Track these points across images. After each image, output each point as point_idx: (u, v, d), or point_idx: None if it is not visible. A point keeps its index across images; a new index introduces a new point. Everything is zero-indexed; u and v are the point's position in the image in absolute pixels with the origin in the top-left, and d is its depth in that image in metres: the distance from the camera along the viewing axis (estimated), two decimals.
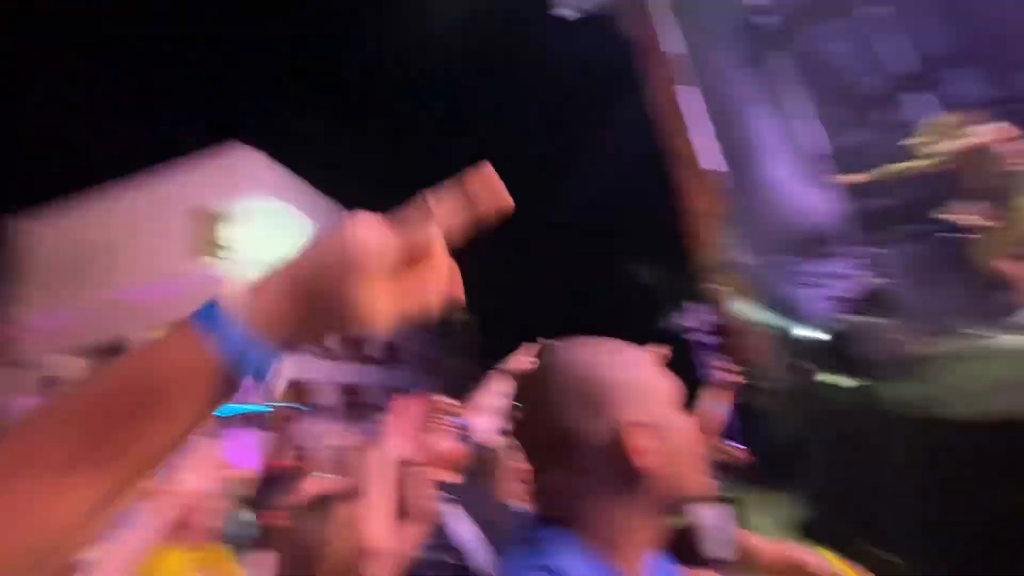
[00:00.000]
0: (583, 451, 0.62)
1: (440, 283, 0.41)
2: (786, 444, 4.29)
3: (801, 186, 7.85)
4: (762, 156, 8.12)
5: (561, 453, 0.63)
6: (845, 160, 6.63)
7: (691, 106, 8.30)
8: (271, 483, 2.28)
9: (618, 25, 9.62)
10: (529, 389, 0.67)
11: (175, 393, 0.33)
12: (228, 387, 0.35)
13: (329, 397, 18.29)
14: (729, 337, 6.75)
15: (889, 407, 3.78)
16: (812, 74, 7.67)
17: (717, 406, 2.87)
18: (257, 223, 16.93)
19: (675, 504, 0.66)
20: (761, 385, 5.37)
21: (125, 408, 0.32)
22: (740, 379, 2.45)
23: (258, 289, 0.36)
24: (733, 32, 8.06)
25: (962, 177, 3.63)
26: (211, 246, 16.67)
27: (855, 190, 7.03)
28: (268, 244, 16.89)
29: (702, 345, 8.67)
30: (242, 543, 2.93)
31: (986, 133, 3.27)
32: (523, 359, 2.53)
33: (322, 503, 1.37)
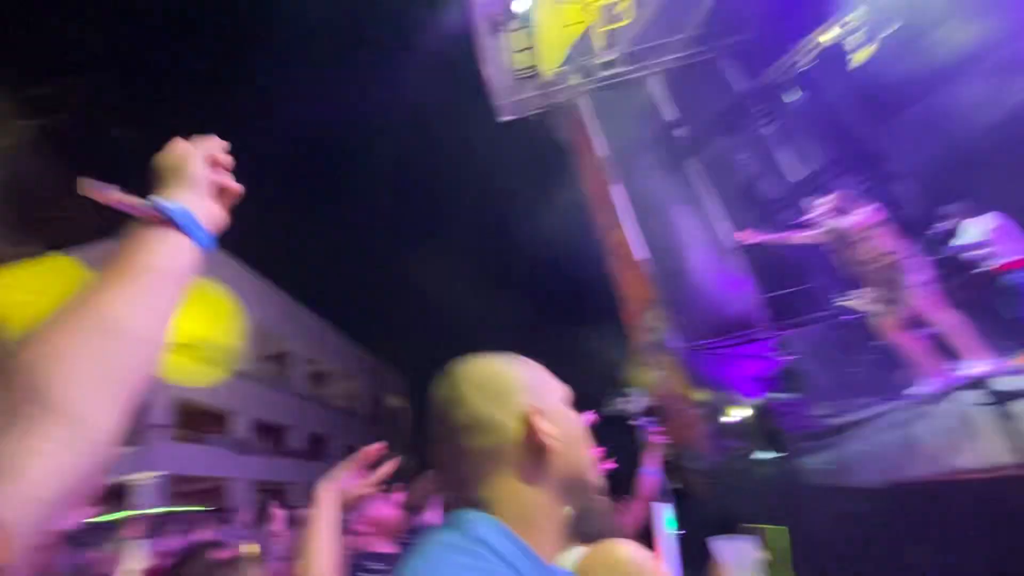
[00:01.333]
0: (494, 434, 0.68)
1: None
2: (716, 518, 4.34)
3: (720, 276, 8.58)
4: (685, 249, 8.86)
5: (473, 438, 0.69)
6: (753, 252, 7.48)
7: (620, 202, 9.13)
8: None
9: (555, 130, 10.70)
10: (443, 387, 0.74)
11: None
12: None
13: (244, 495, 16.49)
14: (663, 416, 6.91)
15: (806, 478, 3.94)
16: (724, 178, 8.72)
17: (651, 471, 2.94)
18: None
19: (575, 488, 0.71)
20: (692, 463, 5.47)
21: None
22: (670, 445, 2.54)
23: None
24: (654, 140, 9.12)
25: (847, 264, 4.06)
26: None
27: (766, 279, 7.85)
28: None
29: (640, 426, 8.77)
30: None
31: (849, 221, 3.74)
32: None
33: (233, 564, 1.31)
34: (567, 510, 0.72)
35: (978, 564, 2.38)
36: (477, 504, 0.67)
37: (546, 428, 0.68)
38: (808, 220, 4.14)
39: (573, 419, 0.74)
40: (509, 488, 0.67)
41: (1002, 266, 4.04)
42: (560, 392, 0.76)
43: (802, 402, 4.77)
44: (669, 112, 9.15)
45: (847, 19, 7.21)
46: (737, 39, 8.97)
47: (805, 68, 7.81)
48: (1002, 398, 1.97)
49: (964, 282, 3.99)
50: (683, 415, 7.04)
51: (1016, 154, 4.60)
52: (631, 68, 9.30)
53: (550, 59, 9.28)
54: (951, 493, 2.63)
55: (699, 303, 8.42)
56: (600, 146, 9.67)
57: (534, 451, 0.67)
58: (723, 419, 7.04)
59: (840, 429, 3.98)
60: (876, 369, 4.98)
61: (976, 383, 2.29)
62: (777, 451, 4.54)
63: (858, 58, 7.27)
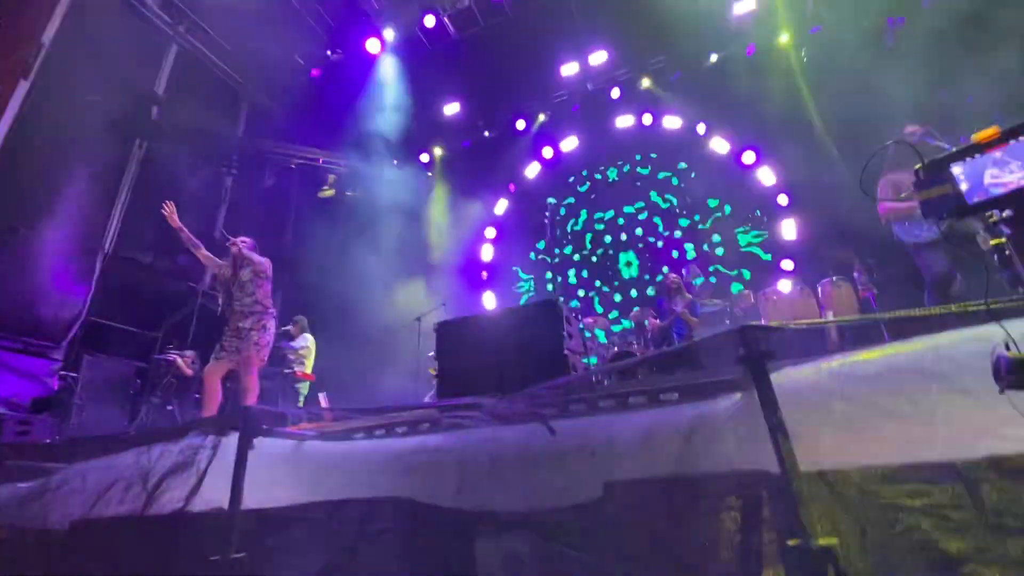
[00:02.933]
0: None
1: None
2: None
3: (63, 271, 6.87)
4: (45, 218, 6.80)
5: None
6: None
7: (16, 103, 6.42)
8: None
9: None
10: None
11: None
12: None
13: None
14: None
15: None
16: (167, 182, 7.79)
17: None
18: None
19: None
20: None
21: None
22: None
23: None
24: (121, 91, 7.39)
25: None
26: None
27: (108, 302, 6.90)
28: None
29: None
30: None
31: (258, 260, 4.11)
32: None
33: None
34: None
35: None
36: None
37: None
38: (230, 244, 4.16)
39: None
40: None
41: (296, 373, 5.30)
42: None
43: (47, 425, 3.95)
44: (161, 84, 7.88)
45: (337, 167, 8.90)
46: (270, 103, 9.31)
47: (293, 167, 8.79)
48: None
49: None
50: None
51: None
52: (163, 16, 7.81)
53: None
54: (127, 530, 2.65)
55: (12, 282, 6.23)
56: (48, 35, 6.97)
57: None
58: None
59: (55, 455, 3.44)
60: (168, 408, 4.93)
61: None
62: None
63: (326, 192, 8.86)
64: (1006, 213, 1.15)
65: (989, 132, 1.20)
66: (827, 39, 7.07)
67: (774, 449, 1.61)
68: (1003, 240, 1.18)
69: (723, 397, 1.93)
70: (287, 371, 5.36)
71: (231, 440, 2.59)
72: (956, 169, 1.21)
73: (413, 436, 2.46)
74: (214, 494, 2.56)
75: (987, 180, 1.15)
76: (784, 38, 7.38)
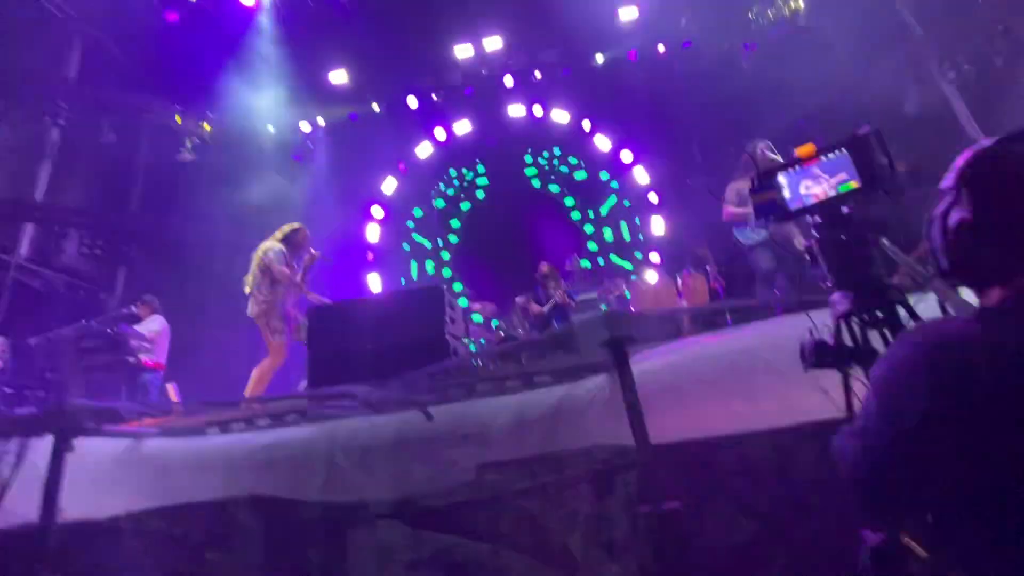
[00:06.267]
0: None
1: None
2: None
3: None
4: None
5: None
6: None
7: None
8: None
9: None
10: None
11: None
12: None
13: None
14: None
15: None
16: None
17: None
18: None
19: None
20: None
21: None
22: None
23: None
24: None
25: None
26: None
27: None
28: None
29: None
30: None
31: None
32: None
33: None
34: None
35: None
36: None
37: None
38: None
39: None
40: None
41: (145, 361, 4.65)
42: None
43: None
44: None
45: (199, 128, 7.88)
46: (112, 44, 7.89)
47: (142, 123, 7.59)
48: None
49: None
50: None
51: None
52: None
53: None
54: None
55: None
56: None
57: None
58: None
59: None
60: None
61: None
62: None
63: (185, 156, 7.81)
64: (816, 219, 1.35)
65: (807, 149, 1.39)
66: (696, 54, 7.77)
67: (630, 425, 1.76)
68: (813, 243, 1.38)
69: (588, 379, 2.06)
70: (132, 359, 4.65)
71: (45, 443, 2.20)
72: (781, 179, 1.39)
73: (278, 429, 2.28)
74: (22, 507, 2.15)
75: (802, 190, 1.35)
76: (661, 48, 7.97)
